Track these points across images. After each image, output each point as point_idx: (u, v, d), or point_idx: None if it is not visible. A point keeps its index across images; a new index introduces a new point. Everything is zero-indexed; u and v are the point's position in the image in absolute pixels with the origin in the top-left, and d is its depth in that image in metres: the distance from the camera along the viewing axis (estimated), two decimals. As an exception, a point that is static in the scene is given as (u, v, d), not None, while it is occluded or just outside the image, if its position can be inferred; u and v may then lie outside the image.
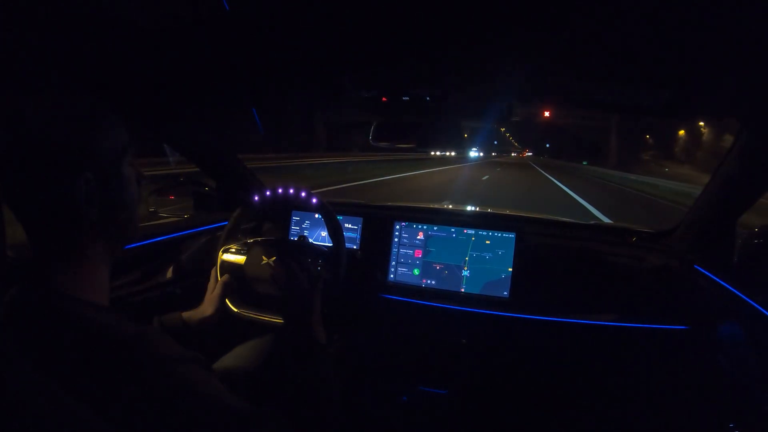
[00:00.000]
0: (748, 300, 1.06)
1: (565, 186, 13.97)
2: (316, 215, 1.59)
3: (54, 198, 0.55)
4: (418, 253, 1.44)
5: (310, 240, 1.29)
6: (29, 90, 0.85)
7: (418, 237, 1.45)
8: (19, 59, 0.80)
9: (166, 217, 1.52)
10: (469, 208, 1.86)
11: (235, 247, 1.17)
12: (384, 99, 1.15)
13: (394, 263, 1.46)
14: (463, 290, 1.38)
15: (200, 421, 0.53)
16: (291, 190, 1.20)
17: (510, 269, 1.35)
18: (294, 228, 1.63)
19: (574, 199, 10.69)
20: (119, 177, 0.61)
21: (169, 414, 0.51)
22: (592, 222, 1.75)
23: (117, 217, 0.62)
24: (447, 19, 0.69)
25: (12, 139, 0.54)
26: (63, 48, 0.77)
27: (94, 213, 0.58)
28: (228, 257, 1.16)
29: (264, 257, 1.15)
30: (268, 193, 1.22)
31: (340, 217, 1.22)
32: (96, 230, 0.59)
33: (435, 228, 1.44)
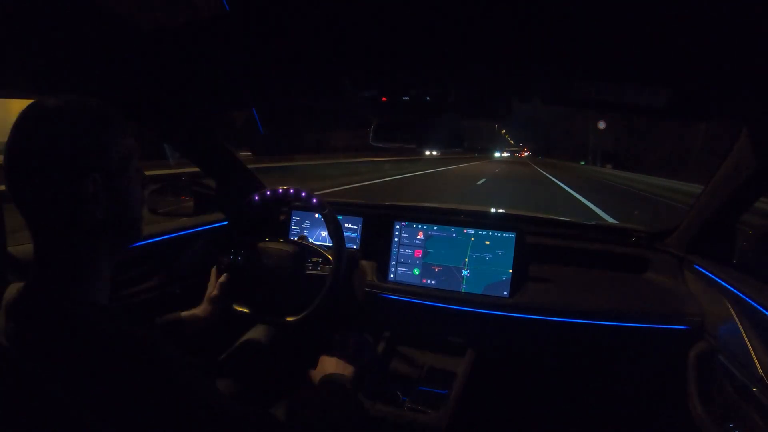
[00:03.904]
0: (748, 300, 1.06)
1: None
2: (316, 215, 1.59)
3: (61, 198, 0.55)
4: (418, 253, 1.44)
5: (310, 240, 1.29)
6: (40, 92, 0.86)
7: (418, 237, 1.45)
8: (29, 62, 0.80)
9: (166, 217, 1.52)
10: (469, 207, 1.86)
11: (235, 247, 1.17)
12: (384, 99, 1.15)
13: (394, 263, 1.45)
14: (463, 290, 1.38)
15: (199, 427, 0.53)
16: (291, 191, 1.20)
17: (510, 269, 1.35)
18: (294, 228, 1.63)
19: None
20: (126, 178, 0.62)
21: (168, 419, 0.51)
22: (593, 222, 1.75)
23: (122, 218, 0.62)
24: (444, 16, 0.69)
25: (23, 140, 0.54)
26: (72, 50, 0.77)
27: (100, 213, 0.58)
28: (228, 257, 1.16)
29: (264, 257, 1.15)
30: (268, 193, 1.22)
31: (340, 217, 1.22)
32: (101, 230, 0.60)
33: (435, 228, 1.44)
